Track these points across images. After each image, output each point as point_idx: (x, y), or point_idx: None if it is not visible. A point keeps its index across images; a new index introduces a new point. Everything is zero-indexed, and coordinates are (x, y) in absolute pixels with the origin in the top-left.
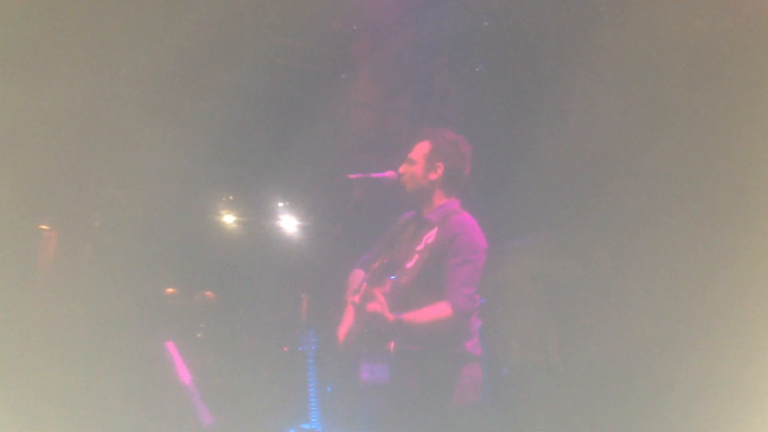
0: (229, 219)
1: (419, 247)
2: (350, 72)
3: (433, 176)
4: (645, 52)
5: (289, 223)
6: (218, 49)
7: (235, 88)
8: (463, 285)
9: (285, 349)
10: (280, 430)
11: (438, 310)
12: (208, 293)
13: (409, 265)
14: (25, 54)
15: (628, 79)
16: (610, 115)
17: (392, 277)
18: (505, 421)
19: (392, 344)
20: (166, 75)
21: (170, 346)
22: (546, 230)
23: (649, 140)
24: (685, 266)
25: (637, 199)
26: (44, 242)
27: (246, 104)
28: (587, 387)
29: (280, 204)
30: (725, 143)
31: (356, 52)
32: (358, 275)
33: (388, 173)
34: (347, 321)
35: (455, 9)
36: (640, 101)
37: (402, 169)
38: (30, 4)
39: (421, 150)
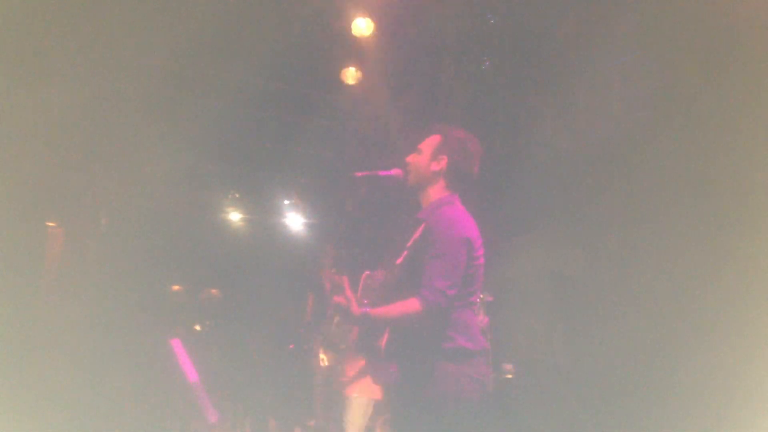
0: (235, 217)
1: (408, 244)
2: (357, 69)
3: (435, 167)
4: (651, 51)
5: (295, 221)
6: (225, 47)
7: (242, 86)
8: (436, 278)
9: (291, 346)
10: (285, 426)
11: (406, 305)
12: (214, 291)
13: (398, 261)
14: (31, 52)
15: (635, 75)
16: (616, 112)
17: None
18: (508, 418)
19: (355, 332)
20: (172, 73)
21: (176, 344)
22: (552, 227)
23: (656, 137)
24: (692, 264)
25: (644, 197)
26: (51, 240)
27: (252, 103)
28: (591, 384)
29: (287, 202)
30: (729, 141)
31: (363, 50)
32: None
33: (395, 171)
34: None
35: (461, 6)
36: (647, 98)
37: (409, 158)
38: (34, 3)
39: (430, 141)
